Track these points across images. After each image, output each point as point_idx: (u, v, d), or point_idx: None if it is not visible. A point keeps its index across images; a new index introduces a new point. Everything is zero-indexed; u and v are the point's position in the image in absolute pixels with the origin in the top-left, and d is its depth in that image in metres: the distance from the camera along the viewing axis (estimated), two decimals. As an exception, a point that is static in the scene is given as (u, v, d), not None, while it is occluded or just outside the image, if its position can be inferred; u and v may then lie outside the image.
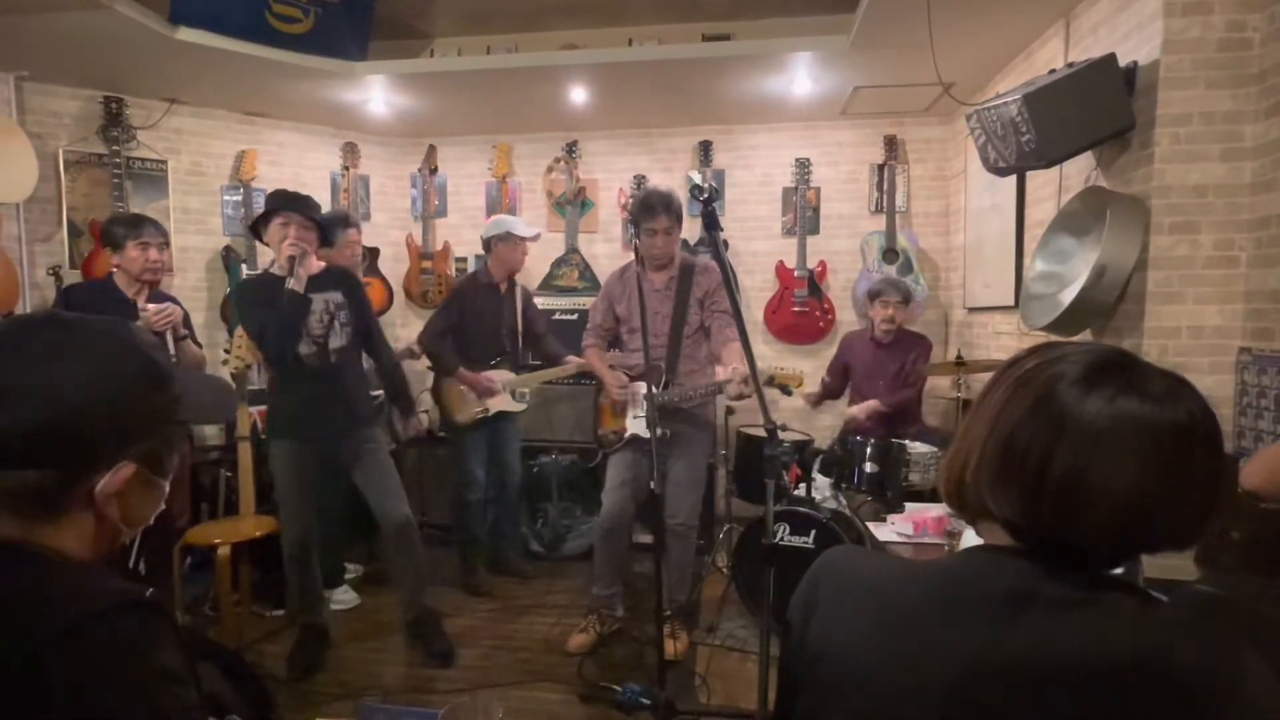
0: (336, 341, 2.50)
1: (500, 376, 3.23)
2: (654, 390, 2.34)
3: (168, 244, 2.65)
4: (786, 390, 2.55)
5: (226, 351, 2.78)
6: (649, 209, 2.50)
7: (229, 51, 3.12)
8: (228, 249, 3.88)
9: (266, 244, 2.49)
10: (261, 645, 2.70)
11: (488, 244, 3.27)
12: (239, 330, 2.76)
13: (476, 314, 3.21)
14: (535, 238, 3.35)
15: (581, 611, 2.79)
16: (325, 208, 3.85)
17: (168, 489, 0.79)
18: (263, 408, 3.33)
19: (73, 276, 3.44)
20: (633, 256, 2.66)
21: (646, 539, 3.51)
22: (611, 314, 2.72)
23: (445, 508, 3.61)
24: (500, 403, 3.23)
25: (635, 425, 2.63)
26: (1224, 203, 2.14)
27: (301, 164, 4.19)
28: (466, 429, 3.21)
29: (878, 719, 0.66)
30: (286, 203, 2.45)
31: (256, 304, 2.43)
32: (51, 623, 0.61)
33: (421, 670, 2.55)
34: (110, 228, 2.57)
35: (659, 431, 2.54)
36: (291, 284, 2.35)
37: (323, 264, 2.59)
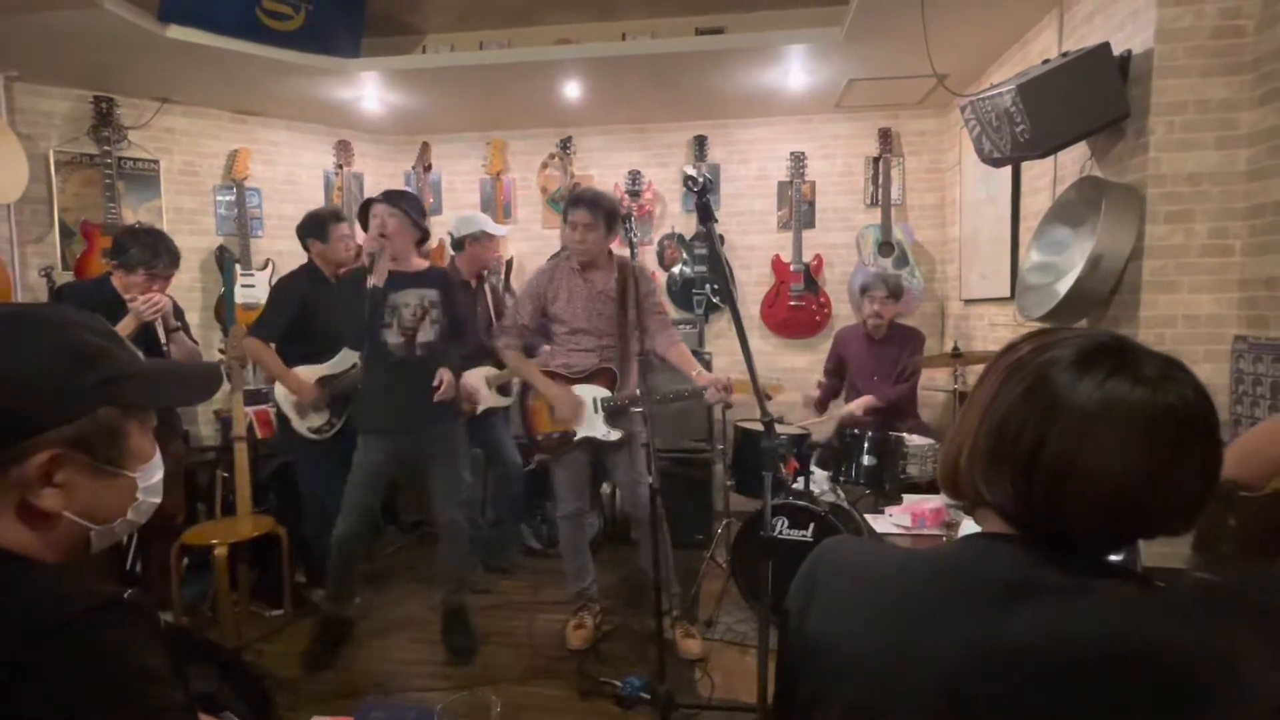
0: (425, 336, 2.52)
1: (483, 372, 3.23)
2: (646, 389, 2.33)
3: (176, 268, 2.63)
4: (767, 396, 2.57)
5: (221, 351, 2.77)
6: (573, 201, 2.54)
7: (220, 49, 3.10)
8: (221, 249, 3.86)
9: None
10: (260, 645, 2.69)
11: (459, 242, 3.23)
12: (233, 329, 2.76)
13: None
14: (505, 235, 3.39)
15: (569, 608, 2.78)
16: (319, 206, 3.84)
17: (139, 480, 0.75)
18: (259, 408, 3.33)
19: (65, 278, 3.41)
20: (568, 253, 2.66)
21: (638, 535, 3.53)
22: (540, 314, 2.65)
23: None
24: (487, 400, 3.23)
25: (593, 428, 2.59)
26: (1219, 191, 2.14)
27: (295, 162, 4.17)
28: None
29: (877, 708, 0.66)
30: (387, 197, 2.50)
31: (340, 296, 2.54)
32: (28, 626, 0.60)
33: (422, 667, 2.55)
34: (128, 246, 2.51)
35: (615, 434, 2.58)
36: (372, 279, 2.41)
37: (425, 263, 2.64)
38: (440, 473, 2.63)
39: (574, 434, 2.61)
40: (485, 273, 3.34)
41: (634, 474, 2.62)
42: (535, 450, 2.82)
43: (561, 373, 2.63)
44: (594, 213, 2.49)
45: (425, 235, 2.62)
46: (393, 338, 2.50)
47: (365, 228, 2.53)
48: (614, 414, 2.59)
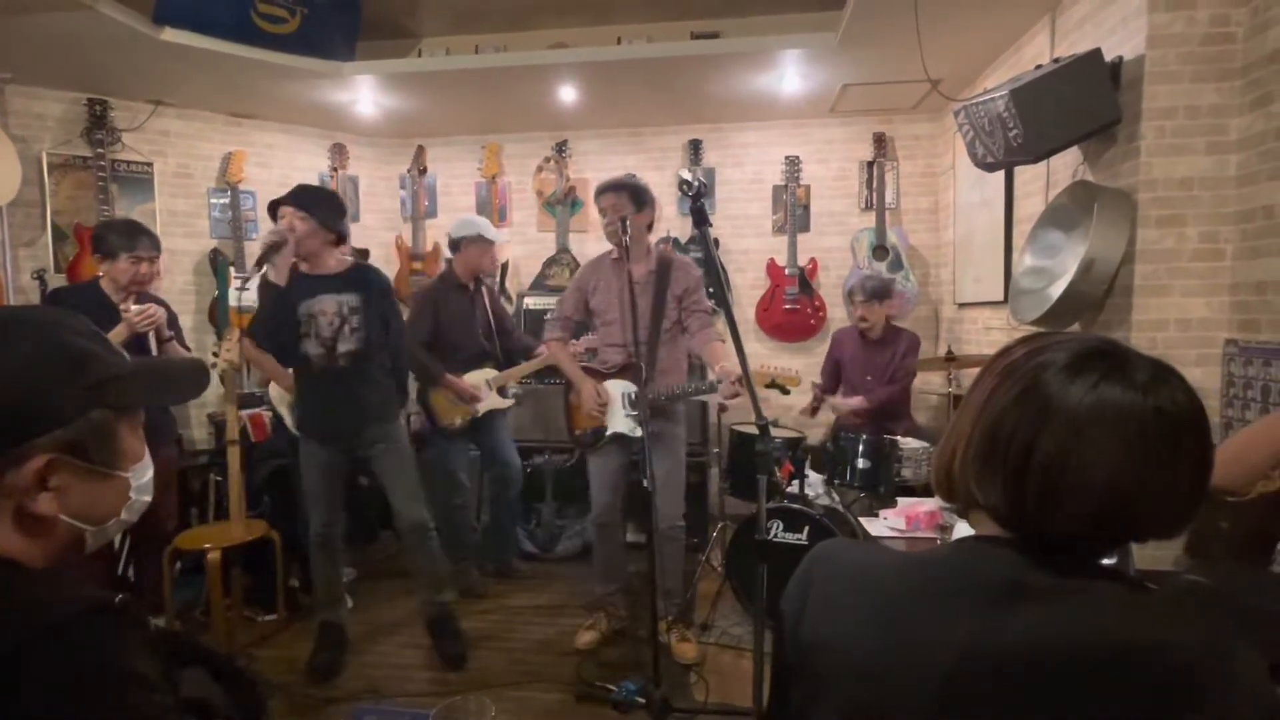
0: (345, 346, 2.42)
1: (484, 375, 3.23)
2: (645, 389, 2.33)
3: (159, 254, 2.61)
4: (784, 390, 2.55)
5: (215, 355, 2.76)
6: (597, 191, 2.55)
7: (214, 52, 3.10)
8: (215, 252, 3.86)
9: None
10: (253, 650, 2.68)
11: (456, 244, 3.21)
12: (227, 332, 2.75)
13: (451, 317, 3.16)
14: (504, 242, 3.37)
15: (584, 610, 2.79)
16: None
17: (131, 479, 0.75)
18: (254, 411, 3.32)
19: (57, 280, 3.41)
20: (611, 249, 2.65)
21: (636, 539, 3.53)
22: (583, 306, 2.67)
23: (434, 511, 3.60)
24: (488, 402, 3.23)
25: (618, 424, 2.60)
26: (1210, 195, 2.15)
27: (290, 165, 4.16)
28: (456, 433, 3.19)
29: (872, 710, 0.66)
30: (295, 199, 2.38)
31: (262, 304, 2.39)
32: (17, 631, 0.59)
33: (416, 672, 2.54)
34: (105, 236, 2.50)
35: (640, 429, 2.56)
36: (270, 274, 2.27)
37: (350, 261, 2.52)
38: (393, 475, 2.55)
39: (605, 429, 2.61)
40: (482, 275, 3.34)
41: (663, 475, 2.54)
42: (574, 445, 2.81)
43: (598, 368, 2.65)
44: (618, 193, 2.49)
45: (340, 238, 2.49)
46: (313, 349, 2.40)
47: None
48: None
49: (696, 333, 2.60)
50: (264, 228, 4.02)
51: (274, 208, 2.39)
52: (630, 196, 2.49)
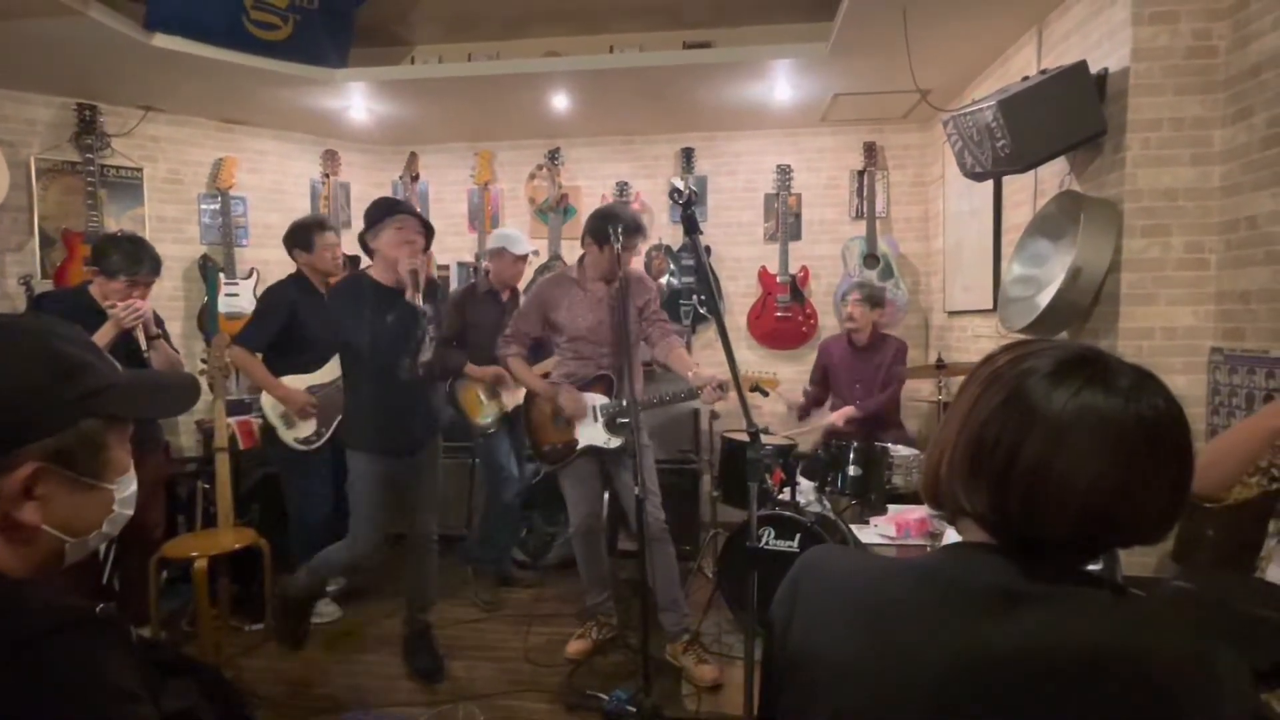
0: (425, 354, 2.45)
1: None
2: (634, 397, 2.34)
3: (157, 277, 2.57)
4: (764, 392, 2.56)
5: (204, 361, 2.74)
6: (639, 231, 2.53)
7: (207, 59, 3.08)
8: (205, 258, 3.83)
9: (371, 251, 2.41)
10: (240, 660, 2.65)
11: (486, 256, 3.32)
12: (216, 338, 2.73)
13: (478, 322, 3.21)
14: (529, 254, 3.31)
15: (575, 619, 2.77)
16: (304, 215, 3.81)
17: (115, 492, 0.74)
18: (242, 418, 3.30)
19: (44, 286, 3.37)
20: (572, 264, 2.68)
21: (627, 546, 3.52)
22: (543, 323, 2.67)
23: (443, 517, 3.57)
24: (515, 398, 3.23)
25: (590, 436, 2.60)
26: (1194, 206, 2.18)
27: (281, 171, 4.15)
28: (490, 429, 3.19)
29: (862, 716, 0.66)
30: (398, 207, 2.38)
31: (360, 309, 2.36)
32: None
33: (405, 682, 2.52)
34: (109, 253, 2.47)
35: (615, 441, 2.58)
36: (411, 295, 2.31)
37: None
38: (426, 484, 2.57)
39: (576, 443, 2.60)
40: (518, 286, 3.37)
41: (650, 481, 2.58)
42: (542, 461, 2.80)
43: (561, 384, 2.64)
44: (645, 235, 2.58)
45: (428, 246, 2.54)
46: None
47: (365, 247, 2.42)
48: (613, 422, 2.58)
49: (659, 341, 2.62)
50: (254, 234, 4.02)
51: (379, 222, 2.36)
52: None
